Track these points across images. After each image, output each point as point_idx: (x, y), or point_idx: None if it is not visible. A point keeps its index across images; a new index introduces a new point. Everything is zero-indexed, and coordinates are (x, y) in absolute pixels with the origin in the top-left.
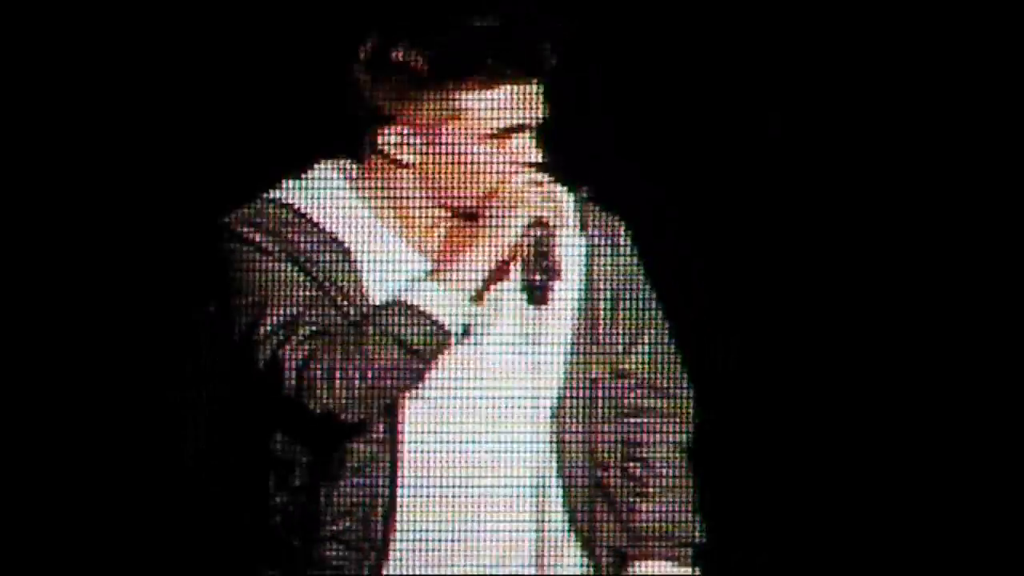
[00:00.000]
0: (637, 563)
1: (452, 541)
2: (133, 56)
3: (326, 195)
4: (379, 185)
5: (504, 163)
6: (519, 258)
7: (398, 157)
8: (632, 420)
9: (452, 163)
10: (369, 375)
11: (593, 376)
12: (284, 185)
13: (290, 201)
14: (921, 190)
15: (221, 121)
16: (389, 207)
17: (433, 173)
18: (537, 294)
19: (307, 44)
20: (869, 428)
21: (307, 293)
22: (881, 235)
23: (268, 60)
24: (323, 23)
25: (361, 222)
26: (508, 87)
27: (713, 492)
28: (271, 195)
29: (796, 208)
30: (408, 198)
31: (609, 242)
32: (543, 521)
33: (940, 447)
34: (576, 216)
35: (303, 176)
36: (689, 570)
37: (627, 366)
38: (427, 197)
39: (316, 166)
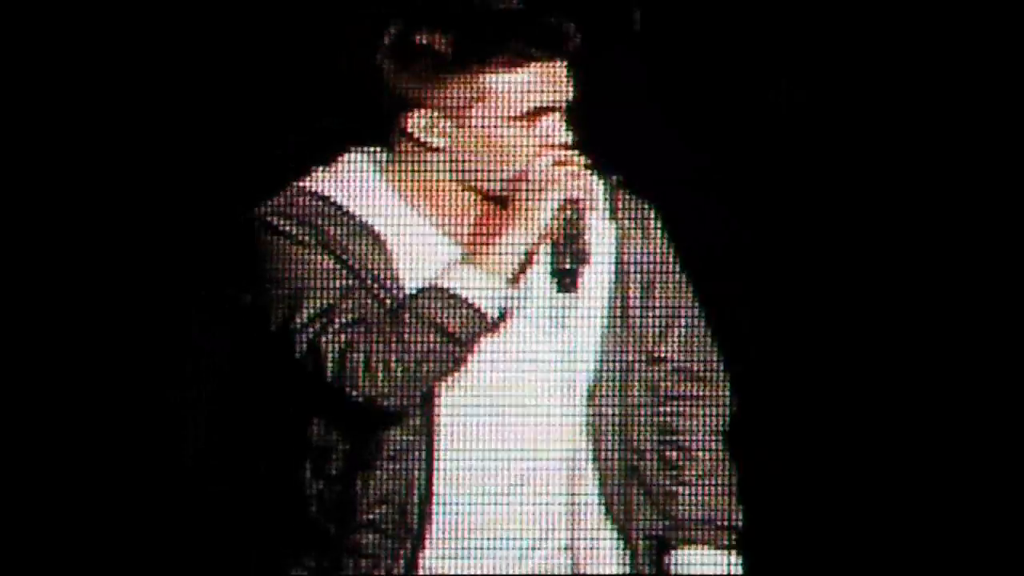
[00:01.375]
0: (678, 550)
1: (487, 529)
2: (166, 45)
3: (357, 183)
4: (409, 171)
5: (533, 144)
6: (549, 242)
7: (427, 141)
8: (668, 406)
9: (481, 145)
10: (408, 361)
11: (626, 362)
12: (315, 174)
13: (321, 190)
14: (956, 180)
15: (251, 111)
16: (420, 193)
17: (463, 156)
18: (567, 280)
19: (334, 32)
20: (904, 411)
21: (343, 282)
22: (911, 216)
23: (298, 49)
24: (349, 10)
25: (392, 209)
26: (534, 68)
27: (751, 476)
28: (302, 184)
29: (830, 192)
30: (439, 182)
31: (640, 228)
32: (578, 507)
33: (969, 433)
34: (607, 202)
35: (333, 165)
36: (732, 555)
37: (662, 352)
38: (457, 181)
39: (346, 155)
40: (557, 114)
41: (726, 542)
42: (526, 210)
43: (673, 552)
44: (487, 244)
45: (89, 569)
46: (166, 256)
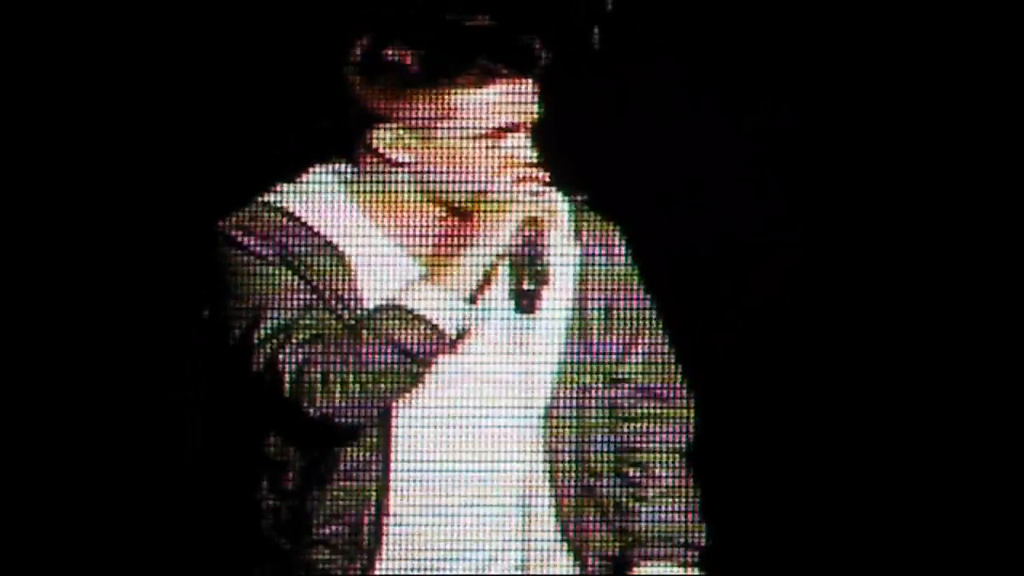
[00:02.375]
0: (639, 565)
1: (441, 546)
2: (128, 60)
3: (321, 198)
4: (374, 186)
5: (498, 161)
6: (509, 261)
7: (392, 156)
8: (628, 425)
9: (446, 161)
10: (365, 378)
11: (584, 384)
12: (278, 189)
13: (284, 205)
14: (919, 190)
15: (217, 124)
16: (383, 208)
17: (427, 171)
18: (526, 302)
19: (301, 45)
20: (868, 429)
21: (302, 297)
22: (878, 237)
23: (263, 62)
24: (317, 23)
25: (355, 225)
26: (501, 85)
27: (713, 494)
28: (265, 199)
29: (796, 210)
30: (402, 198)
31: (604, 249)
32: (532, 525)
33: (939, 448)
34: (571, 222)
35: (298, 179)
36: (693, 571)
37: (622, 373)
38: (421, 196)
39: (311, 169)
40: (523, 132)
41: (688, 559)
42: (487, 228)
43: (634, 569)
44: (447, 262)
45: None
46: (130, 264)
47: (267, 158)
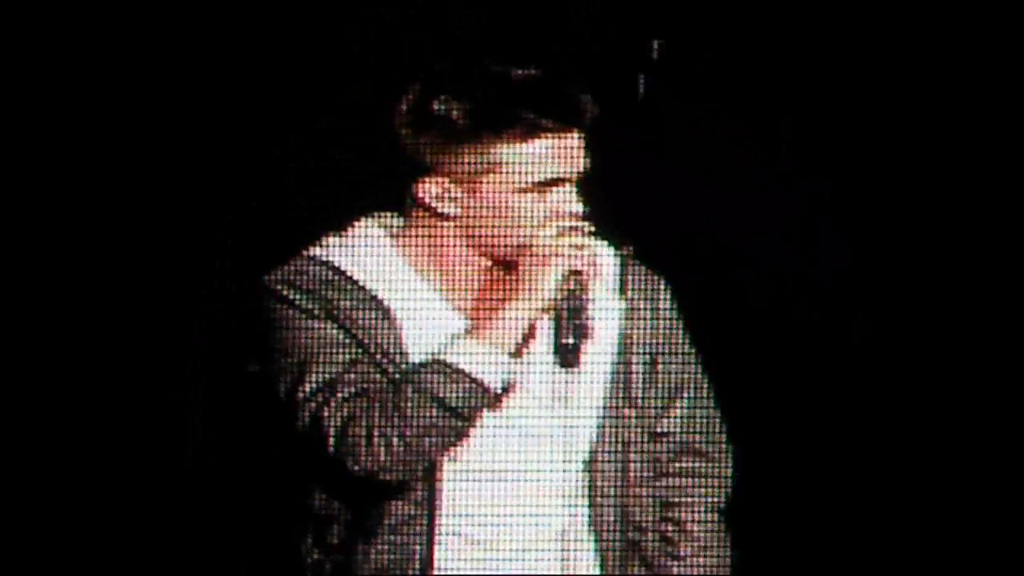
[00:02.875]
0: None
1: None
2: (182, 108)
3: (367, 251)
4: (420, 238)
5: (543, 215)
6: (552, 315)
7: (439, 209)
8: (666, 480)
9: (492, 215)
10: (409, 436)
11: (626, 439)
12: (325, 242)
13: (330, 259)
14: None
15: (265, 176)
16: (429, 261)
17: (473, 225)
18: (569, 357)
19: (352, 97)
20: (910, 495)
21: (347, 352)
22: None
23: (314, 112)
24: (367, 74)
25: (401, 278)
26: (547, 139)
27: (748, 554)
28: (312, 252)
29: (849, 261)
30: (448, 250)
31: (648, 301)
32: None
33: (981, 498)
34: (616, 275)
35: (345, 232)
36: None
37: (664, 427)
38: (468, 249)
39: (358, 221)
40: (568, 185)
41: None
42: (529, 281)
43: None
44: (490, 316)
45: None
46: (174, 318)
47: (315, 210)
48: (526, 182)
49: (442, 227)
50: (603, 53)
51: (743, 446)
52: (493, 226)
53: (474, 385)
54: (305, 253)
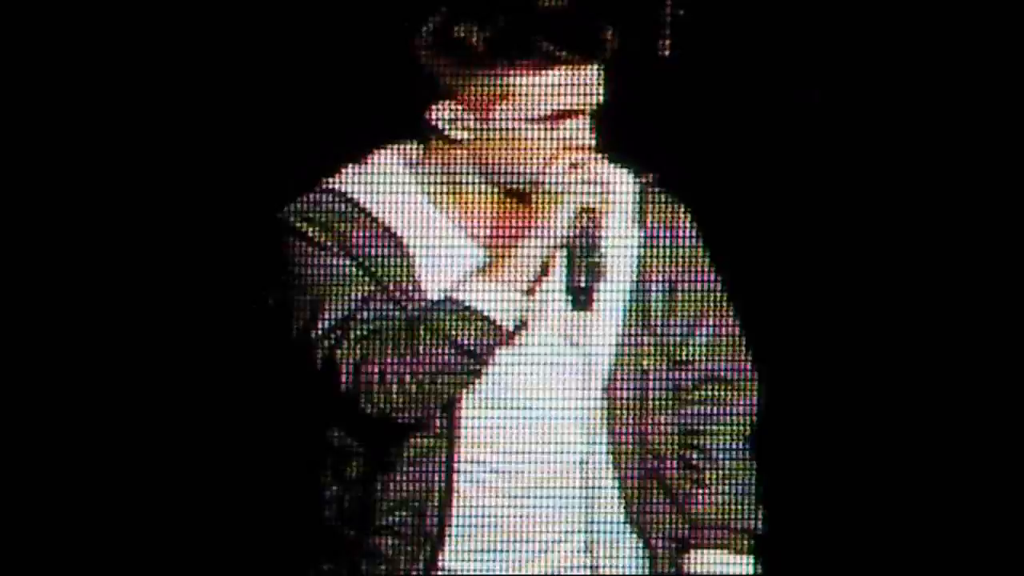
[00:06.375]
0: (694, 551)
1: (505, 530)
2: (187, 39)
3: (384, 183)
4: (437, 169)
5: (555, 146)
6: (566, 254)
7: (450, 134)
8: (690, 408)
9: (503, 143)
10: (422, 376)
11: (645, 366)
12: (343, 172)
13: (346, 190)
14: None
15: (283, 104)
16: (446, 190)
17: (484, 152)
18: (582, 298)
19: (374, 21)
20: (937, 421)
21: (362, 288)
22: (947, 213)
23: (332, 38)
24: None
25: (418, 209)
26: (562, 70)
27: (774, 481)
28: (330, 184)
29: (875, 195)
30: (463, 178)
31: (669, 230)
32: (596, 508)
33: (1000, 452)
34: (635, 204)
35: (364, 162)
36: (747, 558)
37: (685, 355)
38: (480, 177)
39: (379, 151)
40: (582, 118)
41: (742, 546)
42: (542, 218)
43: (690, 553)
44: (504, 253)
45: (99, 570)
46: (193, 254)
47: (335, 139)
48: (538, 112)
49: (454, 154)
50: None
51: (770, 373)
52: (505, 155)
53: (487, 324)
54: (322, 186)
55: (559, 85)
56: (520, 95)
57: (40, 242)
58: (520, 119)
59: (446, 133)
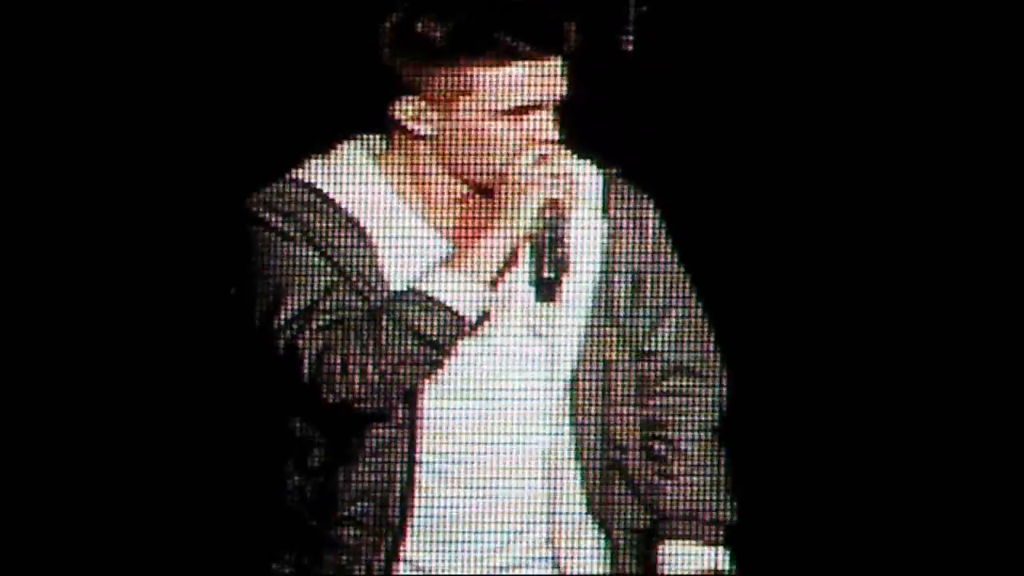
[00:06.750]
0: (665, 543)
1: (467, 521)
2: (154, 33)
3: (349, 173)
4: (402, 163)
5: (519, 140)
6: (530, 245)
7: (413, 130)
8: (656, 400)
9: (467, 138)
10: (384, 366)
11: (608, 358)
12: (308, 163)
13: (311, 181)
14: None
15: (254, 98)
16: (410, 183)
17: (449, 147)
18: (547, 291)
19: (339, 16)
20: (902, 409)
21: (325, 278)
22: (911, 210)
23: (298, 32)
24: None
25: (382, 200)
26: (524, 64)
27: (743, 471)
28: (294, 175)
29: (838, 186)
30: (427, 173)
31: (634, 220)
32: (558, 500)
33: (977, 431)
34: (600, 196)
35: (329, 155)
36: (717, 549)
37: (652, 346)
38: (444, 172)
39: (344, 143)
40: (546, 111)
41: (712, 537)
42: (506, 210)
43: (659, 546)
44: (469, 245)
45: (72, 564)
46: (158, 243)
47: (299, 131)
48: (501, 107)
49: (419, 149)
50: None
51: (738, 364)
52: (468, 150)
53: (450, 315)
54: (287, 176)
55: (521, 79)
56: (482, 89)
57: (7, 230)
58: (483, 113)
59: (409, 128)
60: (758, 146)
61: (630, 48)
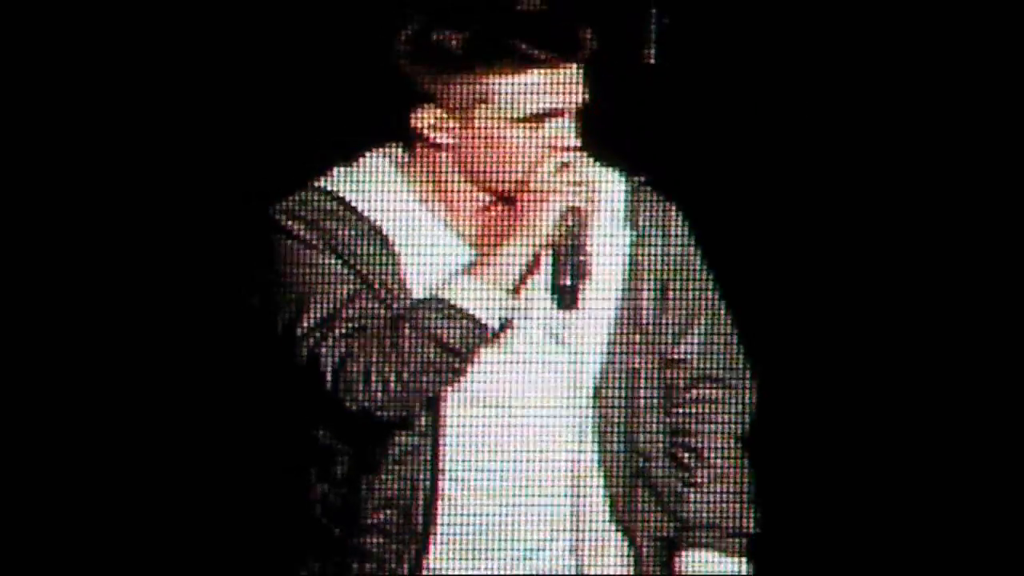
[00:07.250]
0: (686, 552)
1: (492, 530)
2: (189, 45)
3: (372, 181)
4: (422, 169)
5: (538, 148)
6: (552, 252)
7: (433, 139)
8: (682, 408)
9: (486, 146)
10: (405, 375)
11: (635, 366)
12: (333, 172)
13: (335, 189)
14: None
15: (279, 107)
16: (434, 194)
17: (468, 156)
18: (567, 298)
19: (360, 27)
20: (933, 419)
21: (348, 286)
22: (937, 215)
23: (322, 44)
24: (376, 5)
25: (405, 209)
26: (540, 72)
27: (767, 481)
28: (319, 183)
29: (867, 195)
30: (449, 181)
31: (659, 228)
32: (583, 508)
33: (995, 455)
34: (626, 205)
35: (352, 164)
36: (739, 560)
37: (678, 354)
38: (465, 180)
39: (368, 152)
40: (565, 118)
41: (734, 548)
42: (527, 218)
43: (681, 554)
44: (490, 253)
45: (89, 569)
46: (181, 251)
47: (324, 142)
48: (518, 114)
49: (439, 158)
50: None
51: (764, 372)
52: (487, 158)
53: (471, 323)
54: (311, 184)
55: (538, 86)
56: (499, 97)
57: (27, 238)
58: (501, 121)
59: (429, 137)
60: (785, 154)
61: (652, 61)
